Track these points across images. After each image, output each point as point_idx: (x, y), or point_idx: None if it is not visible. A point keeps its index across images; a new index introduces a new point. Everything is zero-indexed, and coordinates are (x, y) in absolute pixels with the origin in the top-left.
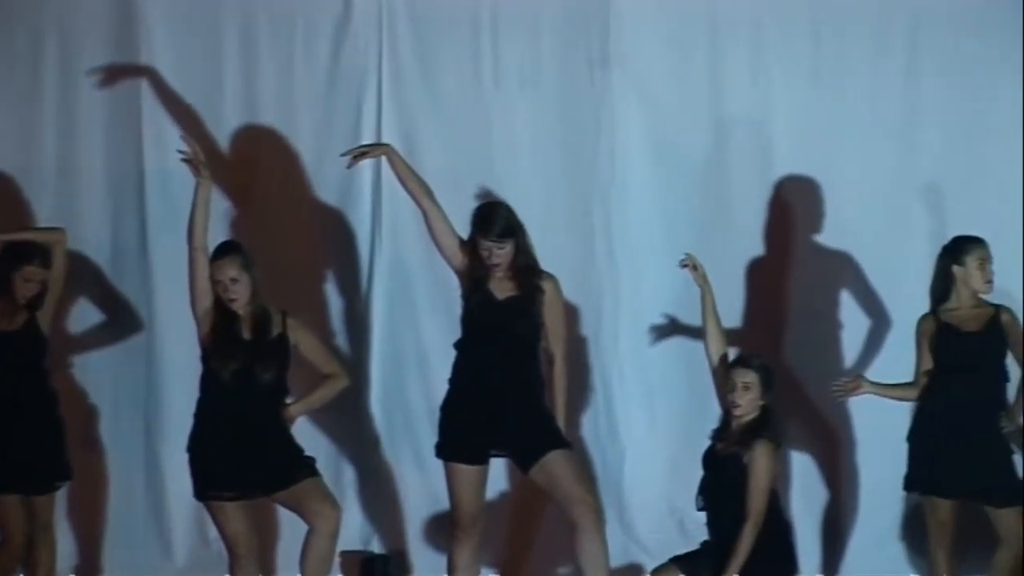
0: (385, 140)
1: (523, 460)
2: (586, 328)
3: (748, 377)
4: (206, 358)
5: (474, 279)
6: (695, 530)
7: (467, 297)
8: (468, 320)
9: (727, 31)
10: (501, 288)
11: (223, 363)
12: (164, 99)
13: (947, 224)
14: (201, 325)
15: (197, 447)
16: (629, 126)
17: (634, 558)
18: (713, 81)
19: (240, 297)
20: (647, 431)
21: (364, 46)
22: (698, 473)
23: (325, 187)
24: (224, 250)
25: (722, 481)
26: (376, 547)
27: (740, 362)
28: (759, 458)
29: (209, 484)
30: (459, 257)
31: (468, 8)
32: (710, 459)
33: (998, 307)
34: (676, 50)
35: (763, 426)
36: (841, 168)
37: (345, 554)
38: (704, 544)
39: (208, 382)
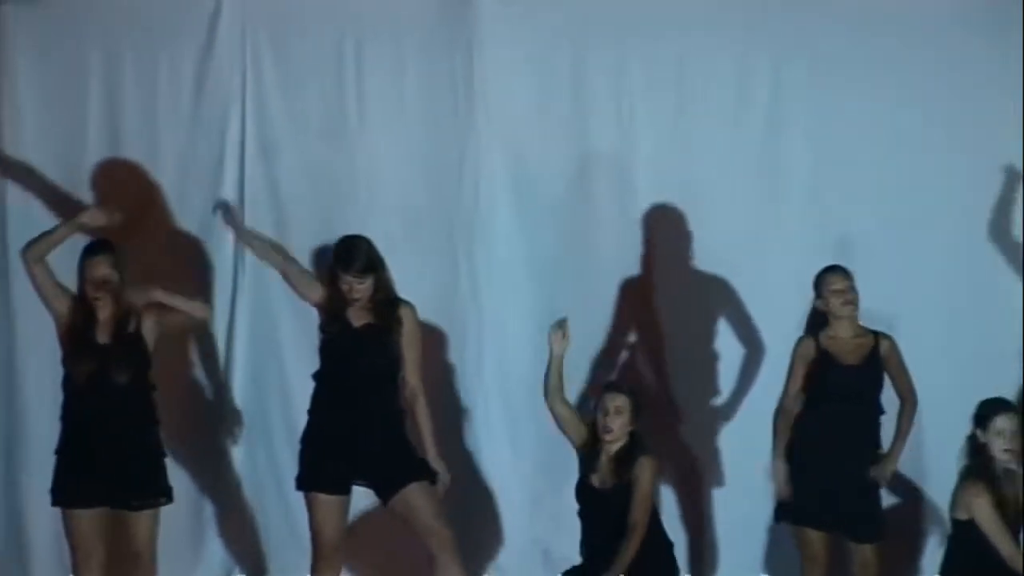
0: (248, 172)
1: (382, 491)
2: (452, 357)
3: (619, 401)
4: (63, 361)
5: (332, 310)
6: (559, 560)
7: (325, 327)
8: (326, 350)
9: (591, 62)
10: (358, 317)
11: (76, 367)
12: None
13: (815, 250)
14: (58, 327)
15: (60, 451)
16: (493, 157)
17: None
18: (576, 112)
19: (103, 298)
20: (511, 461)
21: (228, 78)
22: (563, 504)
23: (188, 217)
24: (96, 249)
25: (608, 516)
26: None
27: (611, 387)
28: (643, 471)
29: (62, 490)
30: (319, 294)
31: (332, 40)
32: (586, 493)
33: (878, 335)
34: (540, 81)
35: (635, 452)
36: (706, 198)
37: None
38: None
39: (66, 385)
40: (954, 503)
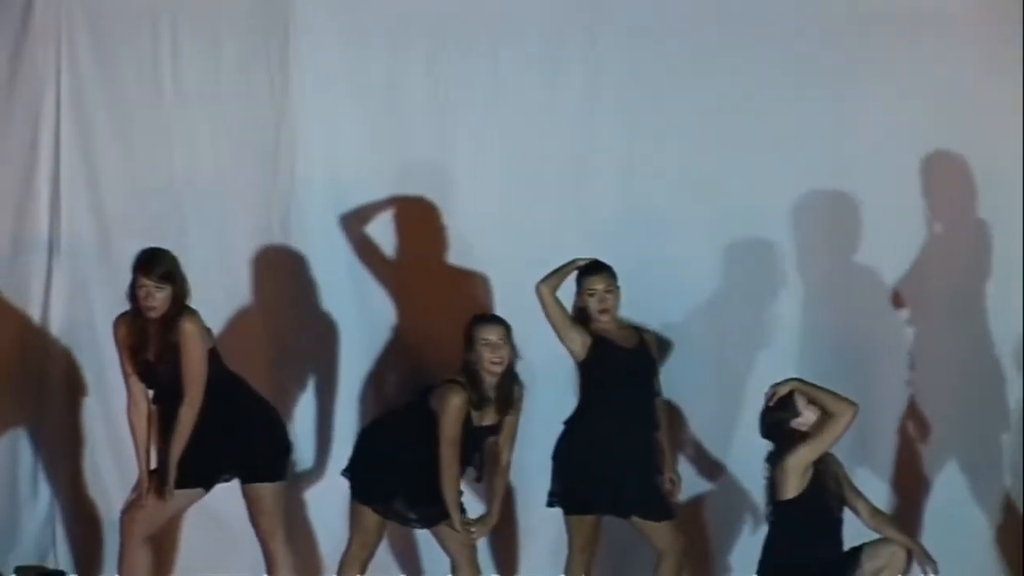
0: (64, 149)
1: (248, 474)
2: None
3: (499, 332)
4: None
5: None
6: None
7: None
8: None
9: (406, 50)
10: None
11: None
12: None
13: (622, 251)
14: None
15: None
16: (310, 140)
17: None
18: (391, 99)
19: None
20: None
21: (43, 54)
22: None
23: (1, 200)
24: None
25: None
26: (53, 563)
27: (486, 320)
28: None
29: None
30: None
31: (148, 16)
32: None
33: (640, 328)
34: (355, 65)
35: (513, 381)
36: (521, 196)
37: (21, 569)
38: None
39: None
40: (773, 487)
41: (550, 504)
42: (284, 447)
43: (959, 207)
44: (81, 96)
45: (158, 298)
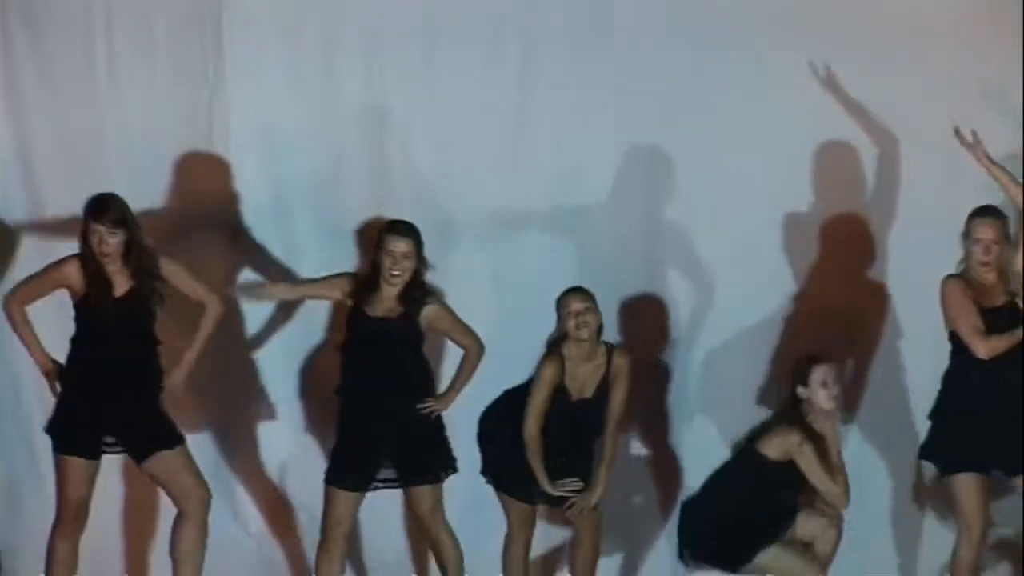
0: None
1: (138, 454)
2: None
3: (404, 247)
4: None
5: (89, 274)
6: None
7: (87, 294)
8: (83, 316)
9: (341, 18)
10: (118, 284)
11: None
12: None
13: (560, 224)
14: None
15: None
16: (244, 115)
17: (245, 547)
18: (327, 68)
19: None
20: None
21: None
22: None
23: None
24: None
25: (391, 342)
26: None
27: (393, 230)
28: (441, 310)
29: None
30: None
31: (81, 4)
32: (368, 324)
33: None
34: (289, 39)
35: (422, 289)
36: (459, 165)
37: None
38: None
39: None
40: (765, 440)
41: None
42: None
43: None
44: (15, 78)
45: (111, 243)
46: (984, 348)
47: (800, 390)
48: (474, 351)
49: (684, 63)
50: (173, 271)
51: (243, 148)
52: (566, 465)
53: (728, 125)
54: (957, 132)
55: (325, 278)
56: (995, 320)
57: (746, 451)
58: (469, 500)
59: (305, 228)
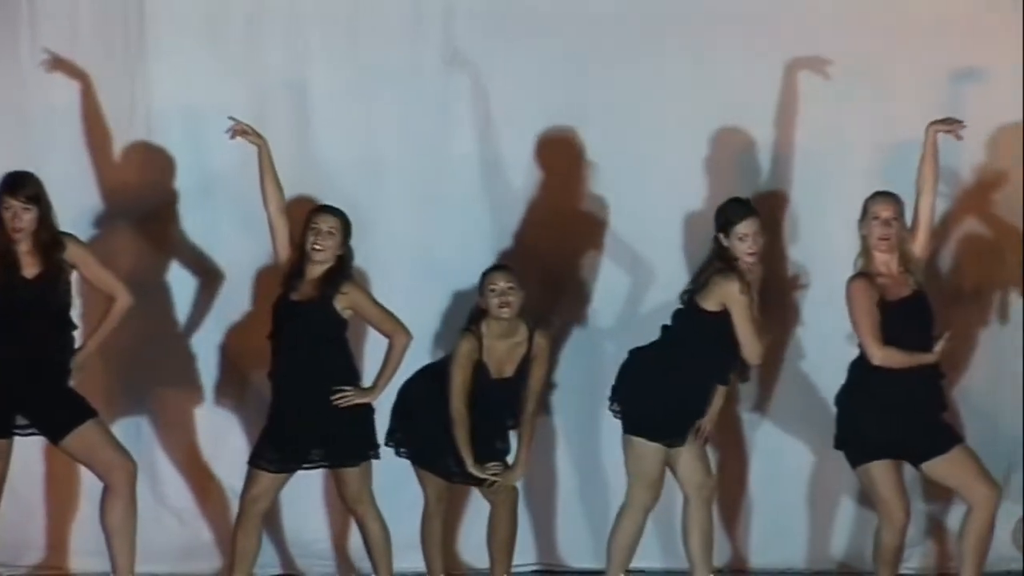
0: None
1: (53, 433)
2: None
3: (331, 223)
4: None
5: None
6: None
7: None
8: None
9: (262, 9)
10: (28, 266)
11: None
12: None
13: (474, 206)
14: None
15: None
16: (165, 89)
17: (166, 524)
18: (249, 45)
19: None
20: None
21: None
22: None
23: None
24: None
25: (309, 326)
26: None
27: (321, 209)
28: (358, 293)
29: None
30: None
31: None
32: (288, 308)
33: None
34: (211, 12)
35: (342, 274)
36: (381, 140)
37: None
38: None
39: None
40: (706, 294)
41: (397, 454)
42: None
43: None
44: None
45: (25, 219)
46: (879, 356)
47: (721, 237)
48: (399, 341)
49: (604, 48)
50: (81, 257)
51: (165, 131)
52: (487, 443)
53: (646, 111)
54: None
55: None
56: (903, 312)
57: (687, 306)
58: (390, 478)
59: (227, 212)
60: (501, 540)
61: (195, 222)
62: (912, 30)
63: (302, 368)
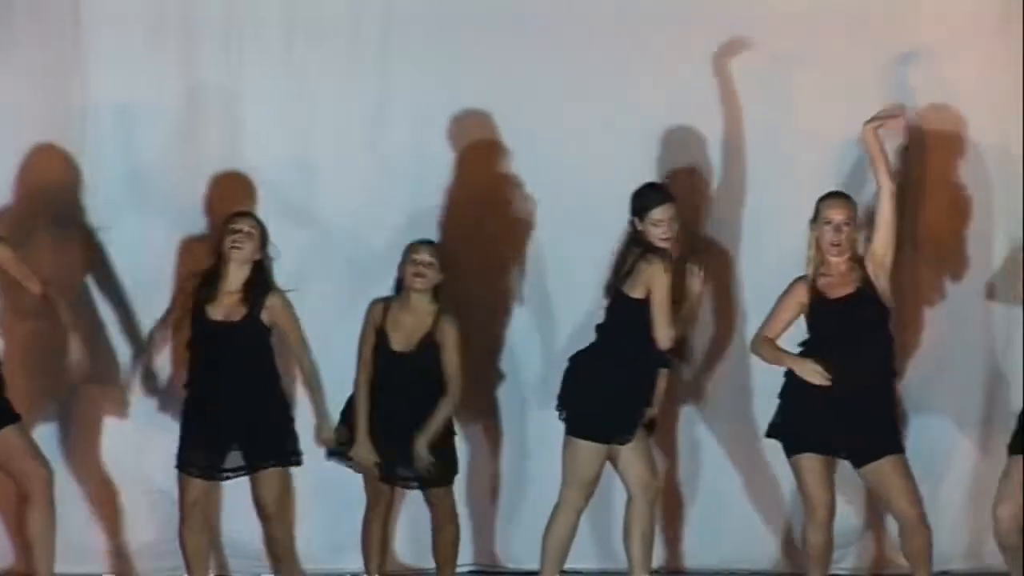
0: None
1: None
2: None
3: (249, 223)
4: None
5: None
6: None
7: None
8: None
9: (198, 13)
10: None
11: None
12: None
13: (418, 209)
14: None
15: None
16: (101, 91)
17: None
18: (185, 46)
19: None
20: None
21: None
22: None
23: None
24: None
25: (233, 343)
26: None
27: (238, 214)
28: (283, 306)
29: None
30: None
31: None
32: (210, 328)
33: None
34: (148, 12)
35: (262, 285)
36: (317, 141)
37: None
38: None
39: None
40: (632, 282)
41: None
42: None
43: None
44: None
45: None
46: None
47: (636, 222)
48: (308, 371)
49: (541, 44)
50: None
51: (100, 131)
52: (385, 421)
53: (582, 105)
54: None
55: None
56: (841, 310)
57: (614, 298)
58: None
59: (159, 213)
60: (440, 547)
61: (126, 223)
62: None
63: (225, 382)
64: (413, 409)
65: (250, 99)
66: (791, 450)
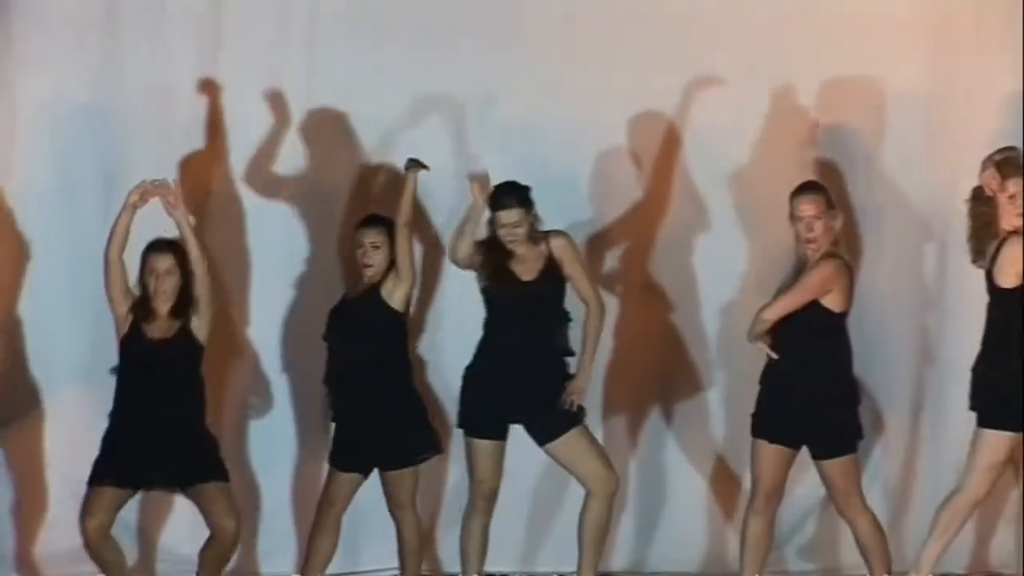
0: None
1: None
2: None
3: (167, 264)
4: None
5: None
6: None
7: None
8: None
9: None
10: None
11: None
12: None
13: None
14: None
15: None
16: (29, 97)
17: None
18: (113, 42)
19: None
20: None
21: None
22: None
23: None
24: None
25: (168, 362)
26: None
27: (153, 247)
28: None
29: None
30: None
31: None
32: (146, 349)
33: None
34: (75, 8)
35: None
36: (243, 140)
37: None
38: None
39: None
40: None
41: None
42: None
43: None
44: None
45: None
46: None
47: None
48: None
49: (466, 48)
50: None
51: (28, 130)
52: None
53: (513, 111)
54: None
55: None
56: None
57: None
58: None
59: (88, 212)
60: (405, 552)
61: (55, 224)
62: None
63: (155, 402)
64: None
65: (180, 97)
66: (754, 431)
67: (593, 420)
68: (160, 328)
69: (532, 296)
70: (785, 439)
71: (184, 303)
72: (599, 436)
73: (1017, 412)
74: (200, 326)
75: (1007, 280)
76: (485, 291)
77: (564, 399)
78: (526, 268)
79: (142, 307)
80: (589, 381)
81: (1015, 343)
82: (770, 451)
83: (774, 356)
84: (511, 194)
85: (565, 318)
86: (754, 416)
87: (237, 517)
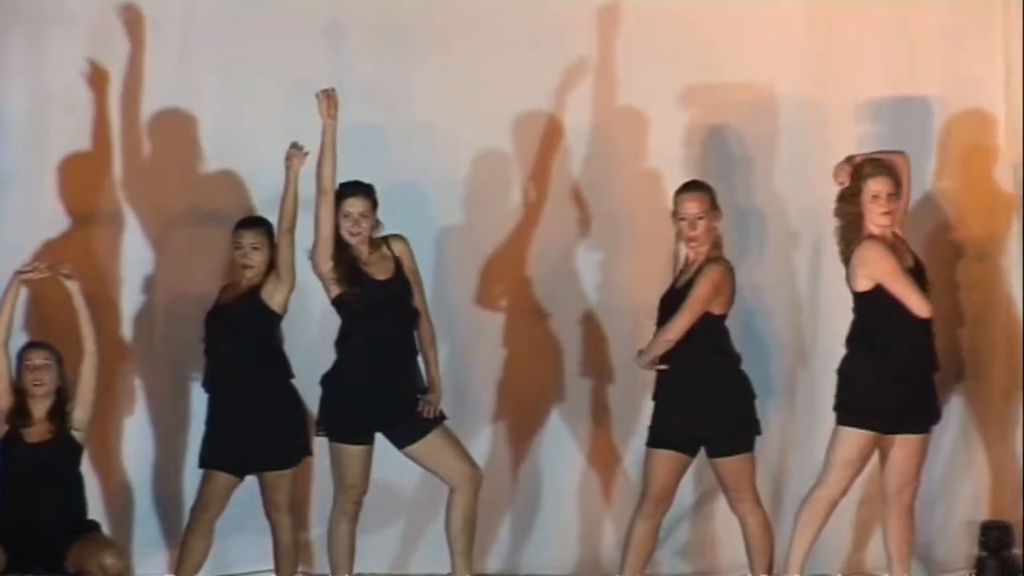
0: None
1: None
2: None
3: (42, 357)
4: None
5: None
6: None
7: None
8: None
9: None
10: None
11: None
12: None
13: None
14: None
15: None
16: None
17: None
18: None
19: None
20: None
21: None
22: None
23: None
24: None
25: (50, 466)
26: None
27: (31, 346)
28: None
29: None
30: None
31: None
32: (22, 453)
33: None
34: None
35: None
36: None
37: None
38: None
39: None
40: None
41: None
42: None
43: None
44: None
45: None
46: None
47: None
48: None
49: (357, 49)
50: None
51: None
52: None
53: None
54: None
55: None
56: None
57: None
58: None
59: (11, 220)
60: (281, 554)
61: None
62: None
63: (39, 507)
64: None
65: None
66: (649, 442)
67: (478, 424)
68: (38, 432)
69: (390, 295)
70: (683, 445)
71: (61, 404)
72: (482, 439)
73: (873, 412)
74: (82, 417)
75: (858, 284)
76: (340, 296)
77: (422, 409)
78: (378, 269)
79: (18, 414)
80: (442, 391)
81: (875, 344)
82: (666, 458)
83: (663, 368)
84: (358, 185)
85: (417, 317)
86: (651, 428)
87: None
